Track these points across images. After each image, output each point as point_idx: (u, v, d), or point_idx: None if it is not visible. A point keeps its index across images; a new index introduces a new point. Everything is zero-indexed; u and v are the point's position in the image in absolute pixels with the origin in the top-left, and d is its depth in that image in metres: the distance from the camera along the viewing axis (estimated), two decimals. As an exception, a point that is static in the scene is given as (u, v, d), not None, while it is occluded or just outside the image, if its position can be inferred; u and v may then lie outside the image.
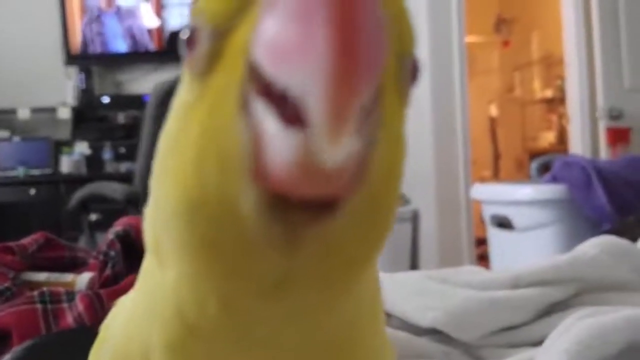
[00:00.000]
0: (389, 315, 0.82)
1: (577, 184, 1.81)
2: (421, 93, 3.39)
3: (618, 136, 2.94)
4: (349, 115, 0.21)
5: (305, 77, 0.20)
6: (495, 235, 2.13)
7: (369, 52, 0.21)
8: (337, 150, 0.21)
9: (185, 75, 0.27)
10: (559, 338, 0.65)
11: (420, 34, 3.36)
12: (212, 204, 0.24)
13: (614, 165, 1.93)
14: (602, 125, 2.99)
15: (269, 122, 0.22)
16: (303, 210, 0.23)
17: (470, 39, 4.23)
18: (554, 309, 0.80)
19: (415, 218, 3.57)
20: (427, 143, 3.39)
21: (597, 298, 0.82)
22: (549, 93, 5.17)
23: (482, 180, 4.18)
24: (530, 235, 1.91)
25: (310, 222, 0.23)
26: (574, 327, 0.65)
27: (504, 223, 2.02)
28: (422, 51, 3.36)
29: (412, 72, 0.27)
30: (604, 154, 2.97)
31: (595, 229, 1.75)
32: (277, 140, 0.22)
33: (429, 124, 3.37)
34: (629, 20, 2.95)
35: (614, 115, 2.93)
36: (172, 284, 0.28)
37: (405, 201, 3.59)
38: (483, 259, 3.15)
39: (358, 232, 0.25)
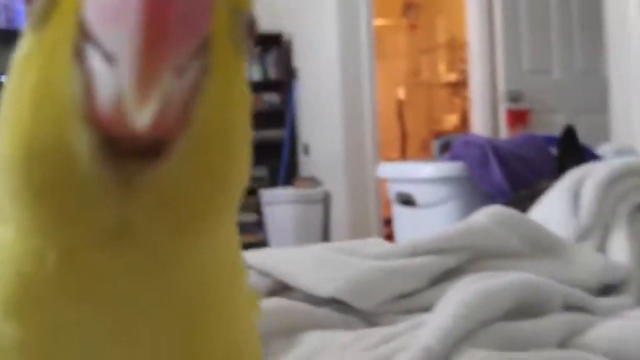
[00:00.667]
0: (290, 288, 0.83)
1: (475, 161, 1.88)
2: (330, 76, 3.42)
3: (517, 118, 3.06)
4: (156, 79, 0.22)
5: (119, 41, 0.22)
6: (399, 213, 2.18)
7: (184, 16, 0.22)
8: (145, 109, 0.23)
9: (25, 29, 0.28)
10: (448, 302, 0.68)
11: (329, 16, 3.39)
12: (48, 150, 0.25)
13: (510, 144, 2.02)
14: (503, 108, 3.11)
15: (96, 63, 0.24)
16: (134, 156, 0.25)
17: (378, 22, 4.29)
18: (448, 276, 0.84)
19: (326, 199, 3.62)
20: (337, 126, 3.43)
21: (489, 264, 0.86)
22: (453, 77, 5.32)
23: (390, 161, 4.26)
24: (432, 211, 1.98)
25: (142, 168, 0.25)
26: (462, 291, 0.69)
27: (407, 200, 2.08)
28: (331, 33, 3.38)
29: (248, 27, 0.28)
30: (504, 135, 3.09)
31: (492, 203, 1.82)
32: (103, 79, 0.23)
33: (338, 107, 3.41)
34: (529, 4, 3.08)
35: (514, 97, 3.06)
36: (11, 240, 0.28)
37: (316, 183, 3.64)
38: (391, 238, 3.22)
39: (194, 179, 0.26)
